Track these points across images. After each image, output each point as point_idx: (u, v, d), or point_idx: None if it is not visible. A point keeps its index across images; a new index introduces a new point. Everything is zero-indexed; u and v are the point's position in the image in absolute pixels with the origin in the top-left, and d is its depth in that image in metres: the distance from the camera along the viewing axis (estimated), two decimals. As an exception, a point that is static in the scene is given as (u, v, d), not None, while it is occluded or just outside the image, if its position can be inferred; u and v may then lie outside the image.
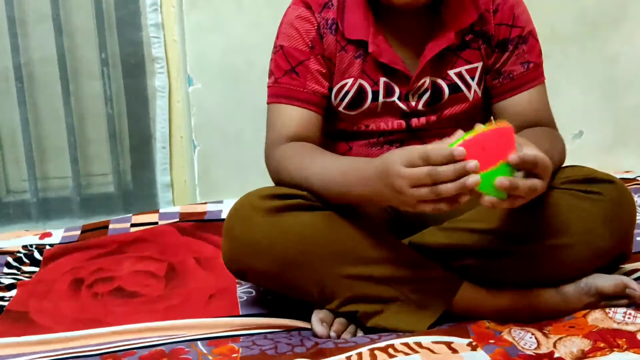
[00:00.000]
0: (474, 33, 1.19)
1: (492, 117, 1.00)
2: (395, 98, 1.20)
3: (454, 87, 1.20)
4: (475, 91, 1.21)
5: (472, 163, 0.90)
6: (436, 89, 1.20)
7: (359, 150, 1.25)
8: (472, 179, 0.90)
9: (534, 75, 1.21)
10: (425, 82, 1.19)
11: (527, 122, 1.18)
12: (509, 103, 1.21)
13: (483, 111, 1.25)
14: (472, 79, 1.20)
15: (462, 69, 1.20)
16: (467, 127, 1.22)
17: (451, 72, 1.20)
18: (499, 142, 0.93)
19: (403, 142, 1.23)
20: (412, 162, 0.93)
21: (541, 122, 1.19)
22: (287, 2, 1.25)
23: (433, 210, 0.94)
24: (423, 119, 1.21)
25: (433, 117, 1.21)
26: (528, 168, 0.93)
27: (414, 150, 0.94)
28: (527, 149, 0.94)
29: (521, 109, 1.20)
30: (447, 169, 0.91)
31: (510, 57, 1.20)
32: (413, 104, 1.20)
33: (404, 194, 0.94)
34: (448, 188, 0.91)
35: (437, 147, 0.93)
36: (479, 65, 1.20)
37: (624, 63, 2.02)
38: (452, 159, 0.91)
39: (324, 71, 1.20)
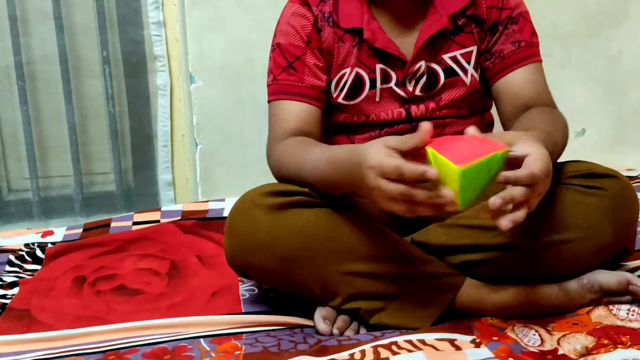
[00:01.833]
0: (467, 17, 1.21)
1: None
2: (392, 84, 1.21)
3: (449, 71, 1.21)
4: (472, 75, 1.22)
5: (446, 192, 0.87)
6: (432, 74, 1.21)
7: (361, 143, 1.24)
8: (449, 206, 0.88)
9: (527, 54, 1.20)
10: (420, 66, 1.20)
11: (526, 103, 1.17)
12: (503, 83, 1.20)
13: (483, 98, 1.25)
14: (468, 62, 1.21)
15: (457, 53, 1.21)
16: (468, 114, 1.23)
17: (446, 57, 1.21)
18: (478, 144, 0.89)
19: (404, 134, 1.22)
20: (385, 173, 0.90)
21: (540, 102, 1.18)
22: (288, -1, 1.25)
23: (406, 212, 0.91)
24: (422, 107, 1.22)
25: (432, 104, 1.22)
26: (526, 184, 0.89)
27: (387, 161, 0.90)
28: (518, 147, 0.91)
29: (517, 88, 1.19)
30: (422, 195, 0.89)
31: (499, 37, 1.21)
32: (410, 89, 1.21)
33: (378, 201, 0.93)
34: (424, 210, 0.90)
35: (410, 163, 0.89)
36: (474, 49, 1.21)
37: (626, 61, 2.02)
38: (423, 179, 0.88)
39: (322, 65, 1.21)
